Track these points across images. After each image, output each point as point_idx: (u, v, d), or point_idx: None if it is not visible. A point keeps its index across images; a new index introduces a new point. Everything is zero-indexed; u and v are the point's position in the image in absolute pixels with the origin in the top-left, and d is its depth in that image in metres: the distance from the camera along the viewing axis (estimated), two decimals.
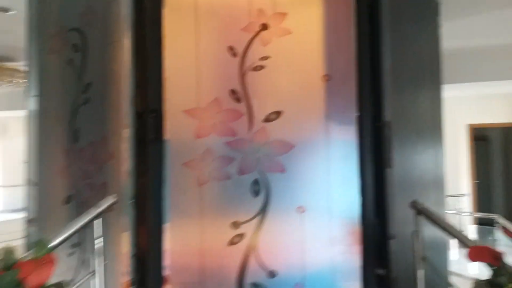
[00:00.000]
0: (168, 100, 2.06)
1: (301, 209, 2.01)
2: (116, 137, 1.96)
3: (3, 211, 10.44)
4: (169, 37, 2.08)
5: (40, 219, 2.22)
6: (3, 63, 4.77)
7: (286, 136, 2.04)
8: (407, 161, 2.25)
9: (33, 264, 1.35)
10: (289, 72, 2.10)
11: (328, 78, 2.10)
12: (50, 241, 1.49)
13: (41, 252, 1.39)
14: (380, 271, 2.02)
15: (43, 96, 2.25)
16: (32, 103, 2.27)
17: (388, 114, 2.11)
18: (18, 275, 1.29)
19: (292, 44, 2.12)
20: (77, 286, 1.68)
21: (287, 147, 2.04)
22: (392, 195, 2.08)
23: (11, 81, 4.75)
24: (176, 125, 2.07)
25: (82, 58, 2.07)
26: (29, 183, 2.23)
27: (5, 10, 3.56)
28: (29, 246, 2.00)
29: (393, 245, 2.03)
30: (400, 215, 2.06)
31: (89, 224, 1.74)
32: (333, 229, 2.02)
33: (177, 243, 1.99)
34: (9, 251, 1.38)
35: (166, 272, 1.96)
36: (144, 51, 2.05)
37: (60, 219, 2.15)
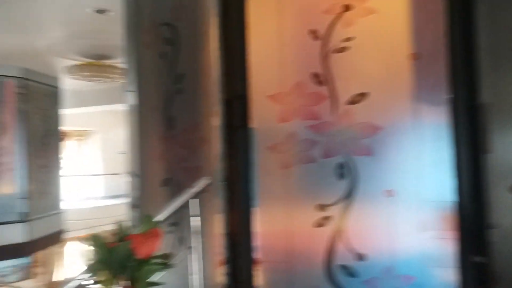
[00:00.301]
0: (253, 87, 2.14)
1: (389, 193, 1.97)
2: (208, 123, 2.09)
3: (104, 197, 11.59)
4: (252, 24, 2.15)
5: (141, 201, 2.44)
6: (102, 61, 5.27)
7: (373, 118, 2.00)
8: (510, 146, 2.07)
9: (142, 237, 1.51)
10: (374, 52, 2.05)
11: (416, 56, 2.01)
12: (155, 218, 1.64)
13: (148, 226, 1.55)
14: (478, 259, 1.91)
15: (140, 89, 2.45)
16: (131, 97, 2.49)
17: (485, 95, 1.95)
18: (131, 246, 1.45)
19: (377, 23, 2.05)
20: (177, 261, 1.84)
21: (374, 129, 2.00)
22: (491, 181, 1.93)
23: (108, 77, 5.23)
24: (261, 110, 2.13)
25: (174, 50, 2.22)
26: (132, 174, 2.46)
27: (102, 11, 3.92)
28: (136, 223, 2.22)
29: (493, 232, 1.90)
30: (501, 202, 1.91)
31: (186, 204, 1.88)
32: (424, 213, 1.94)
33: (265, 224, 2.07)
34: (122, 226, 1.56)
35: (257, 252, 2.05)
36: (230, 40, 2.14)
37: (159, 201, 2.34)
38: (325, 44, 2.09)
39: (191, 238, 1.92)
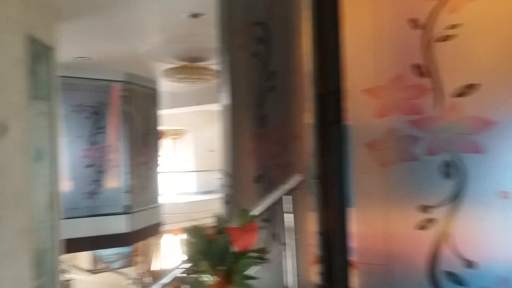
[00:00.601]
0: (347, 81, 2.06)
1: (505, 195, 1.75)
2: (300, 119, 2.06)
3: (196, 193, 12.22)
4: (347, 16, 2.07)
5: (234, 197, 2.50)
6: (196, 63, 5.53)
7: (484, 112, 1.80)
8: None
9: (240, 231, 1.54)
10: (486, 39, 1.84)
11: None
12: (251, 212, 1.65)
13: (244, 220, 1.57)
14: None
15: (233, 88, 2.52)
16: (224, 96, 2.56)
17: None
18: (229, 239, 1.48)
19: (488, 7, 1.85)
20: (271, 256, 1.85)
21: (486, 124, 1.80)
22: None
23: (202, 79, 5.48)
24: (356, 105, 2.05)
25: (266, 48, 2.23)
26: (225, 171, 2.53)
27: (196, 15, 4.11)
28: (230, 217, 2.28)
29: None
30: None
31: (279, 200, 1.88)
32: None
33: (362, 225, 1.98)
34: (220, 219, 1.61)
35: (352, 253, 1.97)
36: (323, 33, 2.09)
37: (252, 197, 2.38)
38: (427, 33, 1.94)
39: (285, 234, 1.91)
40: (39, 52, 3.35)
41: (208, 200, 11.16)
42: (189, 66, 5.25)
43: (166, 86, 7.60)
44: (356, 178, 2.00)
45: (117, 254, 11.25)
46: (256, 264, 1.52)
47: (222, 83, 2.59)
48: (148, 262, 11.55)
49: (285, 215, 1.86)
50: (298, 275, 1.91)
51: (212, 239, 1.51)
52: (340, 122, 2.04)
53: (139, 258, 11.69)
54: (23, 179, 2.89)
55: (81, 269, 9.31)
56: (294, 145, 2.08)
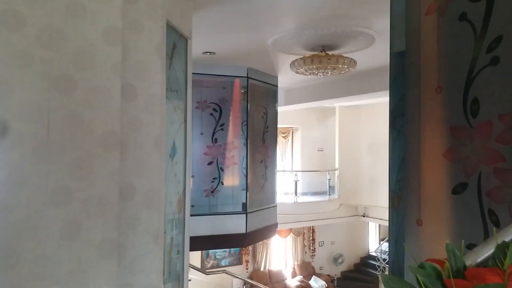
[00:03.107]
0: None
1: None
2: None
3: (305, 194, 11.75)
4: None
5: (415, 212, 1.93)
6: (328, 52, 4.96)
7: None
8: None
9: (500, 273, 0.98)
10: None
11: None
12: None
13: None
14: None
15: (419, 66, 1.93)
16: (405, 80, 2.00)
17: None
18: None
19: None
20: None
21: None
22: None
23: (333, 69, 4.91)
24: None
25: (486, 8, 1.61)
26: (401, 178, 1.98)
27: None
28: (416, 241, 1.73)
29: None
30: None
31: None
32: None
33: None
34: (455, 254, 1.06)
35: None
36: None
37: (445, 214, 1.79)
38: None
39: None
40: (175, 42, 3.16)
41: (317, 202, 10.71)
42: (321, 55, 4.73)
43: (281, 82, 7.24)
44: None
45: (226, 251, 11.34)
46: None
47: (398, 62, 2.04)
48: (257, 262, 11.44)
49: None
50: None
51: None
52: None
53: (247, 257, 11.63)
54: (158, 177, 2.67)
55: (195, 269, 9.47)
56: None
